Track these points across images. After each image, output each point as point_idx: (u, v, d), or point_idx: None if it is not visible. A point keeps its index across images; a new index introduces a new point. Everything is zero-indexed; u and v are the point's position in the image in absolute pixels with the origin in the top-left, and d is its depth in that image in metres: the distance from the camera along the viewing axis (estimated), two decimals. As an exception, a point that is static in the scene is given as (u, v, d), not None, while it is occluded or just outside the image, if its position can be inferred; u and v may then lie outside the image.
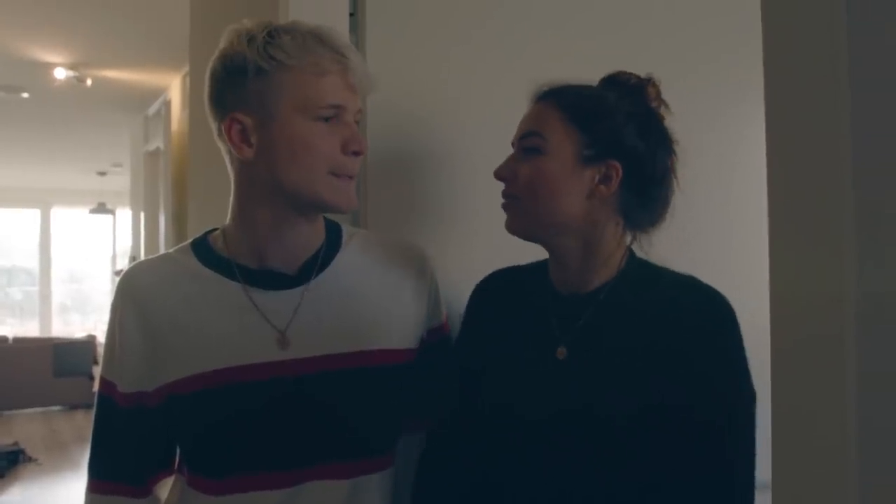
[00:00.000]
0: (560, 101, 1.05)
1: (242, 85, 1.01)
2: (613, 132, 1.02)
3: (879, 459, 0.45)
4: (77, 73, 4.70)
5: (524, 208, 1.05)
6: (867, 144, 0.45)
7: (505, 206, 1.07)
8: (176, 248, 1.14)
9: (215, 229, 1.13)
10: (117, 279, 1.11)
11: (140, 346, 1.05)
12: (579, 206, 1.02)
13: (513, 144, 1.09)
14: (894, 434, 0.45)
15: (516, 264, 1.17)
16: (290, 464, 1.03)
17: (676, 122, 1.08)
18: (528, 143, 1.04)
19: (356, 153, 1.03)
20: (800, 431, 0.50)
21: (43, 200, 10.24)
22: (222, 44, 1.04)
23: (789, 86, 0.51)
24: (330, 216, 1.15)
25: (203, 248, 1.10)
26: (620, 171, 1.02)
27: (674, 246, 1.07)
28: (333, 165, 1.02)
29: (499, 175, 1.06)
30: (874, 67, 0.46)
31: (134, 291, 1.07)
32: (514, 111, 1.11)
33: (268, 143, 1.02)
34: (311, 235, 1.10)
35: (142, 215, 6.31)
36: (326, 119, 1.01)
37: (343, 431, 1.06)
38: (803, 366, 0.49)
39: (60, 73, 4.67)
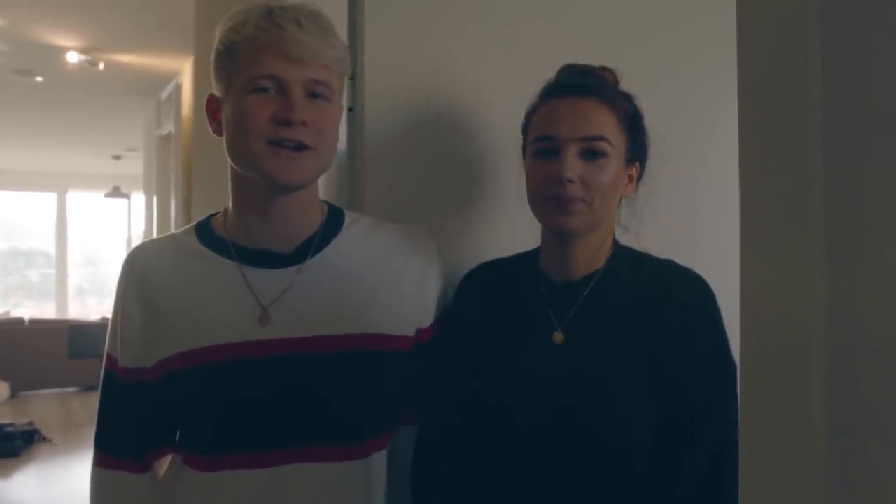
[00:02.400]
0: (608, 100, 1.05)
1: (216, 66, 1.05)
2: (642, 135, 1.09)
3: (845, 462, 0.45)
4: (89, 58, 4.71)
5: (591, 210, 1.04)
6: (839, 150, 0.45)
7: (568, 208, 1.04)
8: (182, 228, 1.17)
9: (220, 212, 1.15)
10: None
11: (139, 322, 1.08)
12: (616, 205, 1.10)
13: (547, 139, 1.05)
14: (860, 437, 0.45)
15: (500, 257, 1.19)
16: (276, 444, 1.04)
17: (667, 112, 1.11)
18: (597, 147, 1.03)
19: (286, 122, 1.00)
20: (767, 433, 0.50)
21: (59, 184, 10.30)
22: None
23: (761, 92, 0.51)
24: (329, 201, 1.16)
25: (205, 230, 1.13)
26: (638, 170, 1.10)
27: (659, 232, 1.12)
28: (268, 135, 1.01)
29: (567, 178, 1.02)
30: (847, 77, 0.45)
31: (137, 269, 1.10)
32: (512, 96, 1.11)
33: (223, 120, 1.05)
34: (301, 216, 1.10)
35: (154, 200, 6.35)
36: (265, 91, 1.01)
37: (327, 415, 1.06)
38: (772, 368, 0.49)
39: (73, 57, 4.68)
